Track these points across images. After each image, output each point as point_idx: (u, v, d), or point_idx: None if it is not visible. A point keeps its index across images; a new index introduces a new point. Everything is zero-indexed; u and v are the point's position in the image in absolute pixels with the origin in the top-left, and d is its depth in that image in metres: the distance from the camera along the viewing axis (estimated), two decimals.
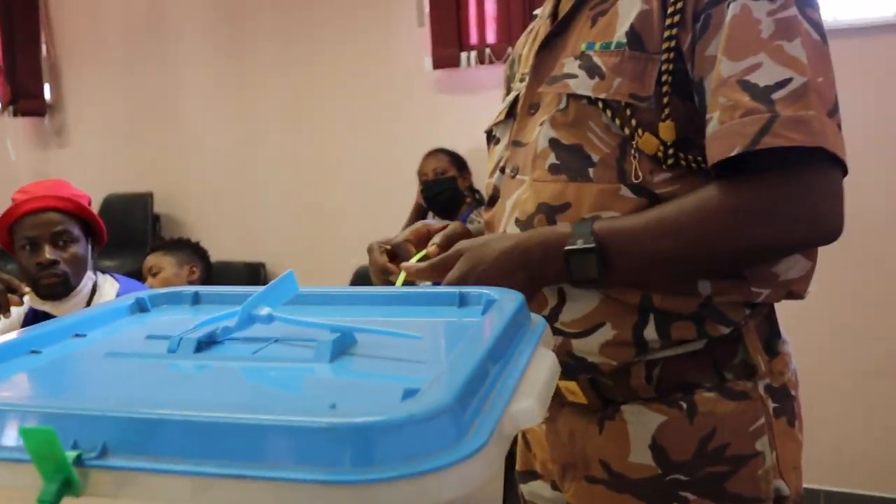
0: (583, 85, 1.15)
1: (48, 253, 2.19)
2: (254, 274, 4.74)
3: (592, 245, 1.06)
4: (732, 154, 1.01)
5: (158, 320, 0.98)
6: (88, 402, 0.62)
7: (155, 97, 5.01)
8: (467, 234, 1.23)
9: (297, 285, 0.87)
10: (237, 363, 0.77)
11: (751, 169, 1.03)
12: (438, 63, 4.14)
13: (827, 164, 1.02)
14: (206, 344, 0.81)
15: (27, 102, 5.30)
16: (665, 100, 1.10)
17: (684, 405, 1.15)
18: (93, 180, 5.22)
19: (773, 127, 1.00)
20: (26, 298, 2.15)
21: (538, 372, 0.75)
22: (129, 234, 4.78)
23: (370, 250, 1.25)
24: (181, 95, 4.93)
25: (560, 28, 1.24)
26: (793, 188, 1.03)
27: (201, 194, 4.95)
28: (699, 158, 1.10)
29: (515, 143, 1.26)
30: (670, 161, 1.10)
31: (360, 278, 4.14)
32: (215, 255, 4.72)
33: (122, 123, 5.17)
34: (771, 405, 1.15)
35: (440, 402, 0.56)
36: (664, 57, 1.09)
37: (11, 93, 5.27)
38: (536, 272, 1.10)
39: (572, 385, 1.21)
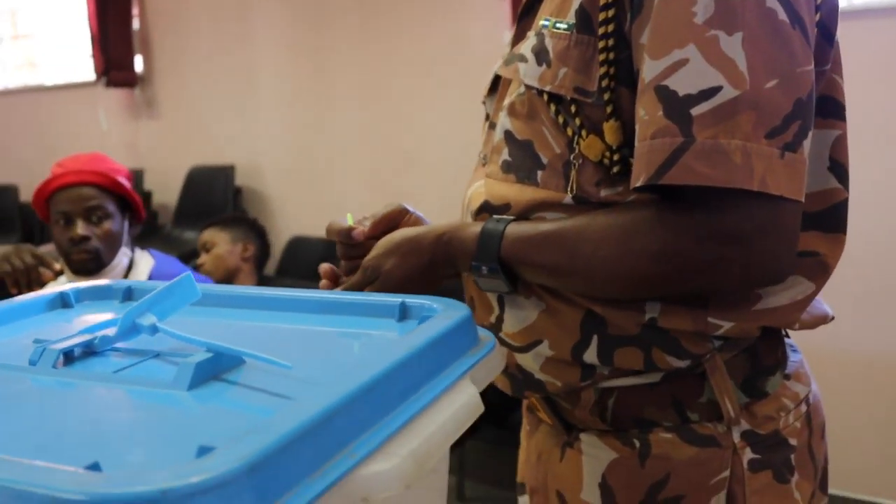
0: (530, 73, 0.96)
1: (80, 228, 2.14)
2: (330, 250, 4.65)
3: (496, 269, 0.94)
4: (637, 185, 0.83)
5: (69, 319, 0.88)
6: None
7: (238, 71, 5.00)
8: (402, 216, 1.10)
9: (196, 289, 0.75)
10: (89, 384, 0.65)
11: (678, 195, 0.84)
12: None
13: (759, 201, 0.81)
14: (79, 355, 0.71)
15: (119, 74, 5.36)
16: (607, 95, 0.89)
17: (637, 444, 0.98)
18: (179, 152, 5.28)
19: (684, 157, 0.80)
20: (61, 275, 2.11)
21: (438, 416, 0.62)
22: (211, 205, 4.79)
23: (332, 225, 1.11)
24: (262, 70, 4.90)
25: None
26: (713, 229, 0.83)
27: (280, 169, 4.93)
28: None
29: (491, 125, 1.08)
30: (616, 168, 0.90)
31: None
32: (293, 230, 4.71)
33: (208, 96, 5.18)
34: (747, 456, 0.95)
35: (218, 468, 0.44)
36: (602, 44, 0.89)
37: (104, 64, 5.33)
38: (442, 273, 1.01)
39: (535, 400, 1.07)
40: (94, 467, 0.45)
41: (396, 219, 1.09)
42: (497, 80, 1.09)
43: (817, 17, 0.89)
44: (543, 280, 0.95)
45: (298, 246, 4.62)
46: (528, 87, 0.97)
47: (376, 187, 4.58)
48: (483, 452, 3.57)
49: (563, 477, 1.05)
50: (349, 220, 1.09)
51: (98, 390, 0.64)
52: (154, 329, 0.72)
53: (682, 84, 0.81)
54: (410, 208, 1.10)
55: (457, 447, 2.88)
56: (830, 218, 0.97)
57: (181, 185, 5.16)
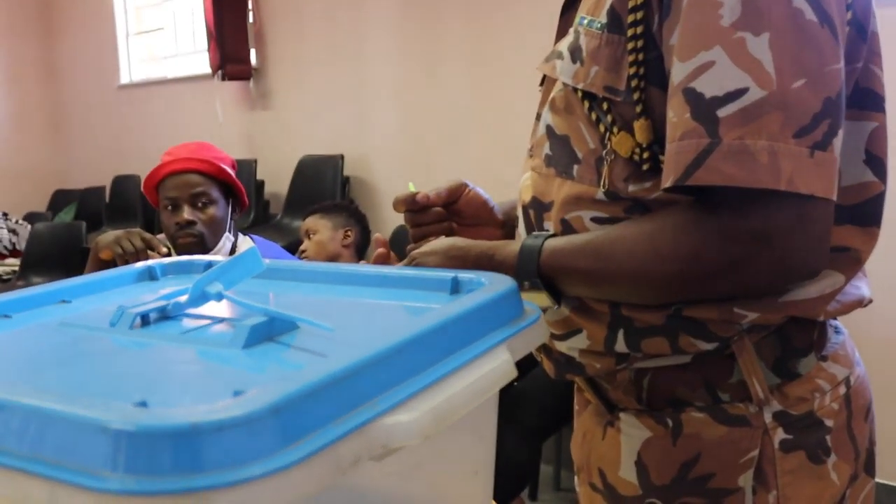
0: (565, 70, 1.00)
1: (186, 213, 2.26)
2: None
3: (537, 283, 0.97)
4: (667, 186, 0.85)
5: (154, 290, 0.96)
6: None
7: (349, 64, 5.11)
8: (462, 189, 1.19)
9: (260, 262, 0.82)
10: (158, 342, 0.73)
11: (707, 196, 0.86)
12: None
13: (787, 201, 0.82)
14: (153, 319, 0.79)
15: (234, 67, 5.54)
16: (636, 94, 0.91)
17: (670, 423, 1.00)
18: (290, 142, 5.43)
19: (710, 158, 0.81)
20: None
21: (466, 377, 0.67)
22: (320, 194, 4.91)
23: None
24: (372, 62, 5.00)
25: None
26: (740, 229, 0.84)
27: (389, 159, 5.02)
28: None
29: (537, 118, 1.11)
30: (646, 165, 0.92)
31: None
32: (399, 220, 4.79)
33: (319, 88, 5.31)
34: (779, 437, 0.96)
35: (246, 407, 0.50)
36: (631, 45, 0.91)
37: (221, 58, 5.51)
38: None
39: (580, 381, 1.11)
40: (142, 404, 0.52)
41: (458, 191, 1.17)
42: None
43: (849, 15, 0.89)
44: (581, 290, 0.99)
45: (404, 236, 4.70)
46: (564, 84, 1.00)
47: (486, 178, 4.58)
48: None
49: (603, 455, 1.08)
50: (410, 188, 1.16)
51: (164, 348, 0.72)
52: (220, 296, 0.80)
53: (709, 86, 0.83)
54: (470, 184, 1.16)
55: (553, 435, 2.90)
56: (865, 211, 0.97)
57: (291, 174, 5.31)
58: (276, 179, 5.47)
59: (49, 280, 5.17)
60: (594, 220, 0.98)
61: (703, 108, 0.83)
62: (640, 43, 0.90)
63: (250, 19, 5.54)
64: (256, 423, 0.50)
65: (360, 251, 3.30)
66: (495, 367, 0.71)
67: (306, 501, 0.51)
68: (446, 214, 1.19)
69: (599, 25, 0.95)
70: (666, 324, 0.96)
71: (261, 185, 5.46)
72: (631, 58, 0.91)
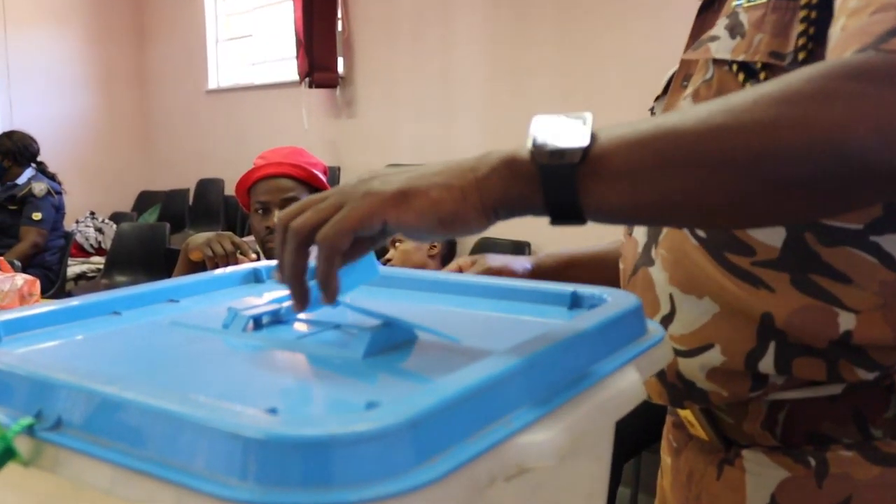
0: (723, 47, 0.91)
1: (276, 218, 2.25)
2: (518, 252, 4.71)
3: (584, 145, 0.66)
4: (846, 54, 0.69)
5: (259, 293, 0.94)
6: (79, 372, 0.58)
7: (436, 75, 5.11)
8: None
9: (377, 268, 0.79)
10: (273, 347, 0.71)
11: None
12: None
13: None
14: (266, 322, 0.77)
15: (322, 75, 5.58)
16: (802, 54, 0.83)
17: (813, 462, 0.90)
18: (375, 151, 5.45)
19: None
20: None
21: (597, 396, 0.63)
22: None
23: None
24: (459, 74, 4.99)
25: None
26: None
27: None
28: None
29: None
30: None
31: None
32: (482, 233, 4.77)
33: (405, 98, 5.32)
34: None
35: (382, 421, 0.47)
36: (804, 1, 0.83)
37: (309, 65, 5.56)
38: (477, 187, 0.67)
39: (689, 415, 1.01)
40: (273, 411, 0.49)
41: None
42: (668, 83, 1.06)
43: None
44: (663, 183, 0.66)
45: (486, 247, 4.68)
46: (718, 63, 0.92)
47: None
48: (658, 466, 3.51)
49: (721, 497, 0.98)
50: None
51: (281, 353, 0.70)
52: (336, 302, 0.77)
53: (885, 22, 0.69)
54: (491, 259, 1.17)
55: (632, 459, 2.84)
56: None
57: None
58: None
59: (133, 279, 5.25)
60: None
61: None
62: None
63: (339, 28, 5.58)
64: (392, 438, 0.47)
65: (445, 262, 3.28)
66: (625, 387, 0.67)
67: None
68: None
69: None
70: (829, 349, 0.88)
71: None
72: (803, 13, 0.84)
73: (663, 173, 0.65)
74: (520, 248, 4.68)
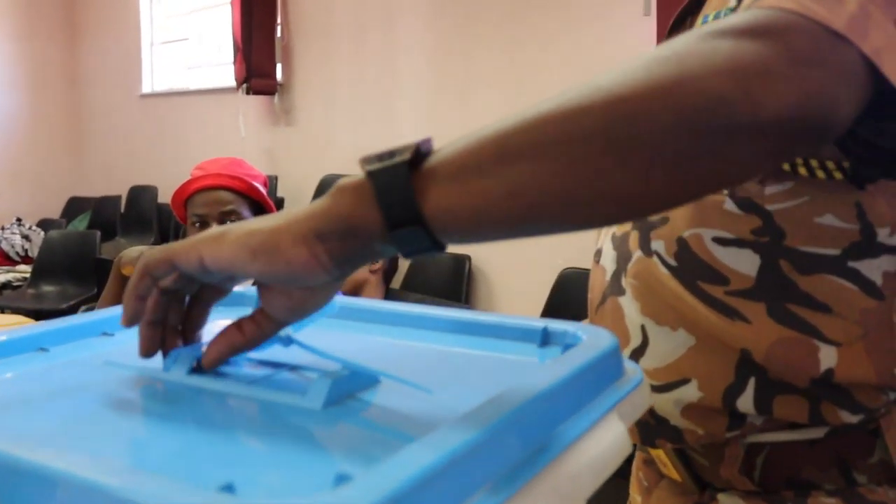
0: None
1: None
2: (459, 267, 4.66)
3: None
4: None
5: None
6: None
7: (376, 82, 5.05)
8: None
9: (332, 303, 0.73)
10: (222, 394, 0.64)
11: None
12: None
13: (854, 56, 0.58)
14: None
15: (260, 81, 5.49)
16: None
17: None
18: (313, 160, 5.36)
19: None
20: None
21: (585, 454, 0.57)
22: None
23: None
24: (401, 82, 4.94)
25: (693, 5, 0.98)
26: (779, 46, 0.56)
27: None
28: (828, 163, 0.79)
29: None
30: (786, 165, 0.80)
31: (565, 279, 3.98)
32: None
33: (345, 106, 5.25)
34: None
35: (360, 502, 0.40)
36: None
37: (247, 71, 5.46)
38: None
39: (662, 454, 0.96)
40: (229, 489, 0.42)
41: None
42: None
43: None
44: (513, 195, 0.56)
45: (426, 264, 4.61)
46: None
47: None
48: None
49: None
50: None
51: (231, 401, 0.62)
52: (288, 340, 0.70)
53: None
54: None
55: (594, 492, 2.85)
56: None
57: (313, 193, 5.24)
58: (297, 197, 5.40)
59: (61, 290, 5.07)
60: (716, 240, 0.85)
61: None
62: None
63: (278, 34, 5.49)
64: None
65: (387, 279, 3.21)
66: (612, 440, 0.61)
67: None
68: None
69: (727, 10, 0.84)
70: (810, 388, 0.83)
71: (280, 202, 5.39)
72: None
73: (511, 160, 0.57)
74: (460, 261, 4.63)
